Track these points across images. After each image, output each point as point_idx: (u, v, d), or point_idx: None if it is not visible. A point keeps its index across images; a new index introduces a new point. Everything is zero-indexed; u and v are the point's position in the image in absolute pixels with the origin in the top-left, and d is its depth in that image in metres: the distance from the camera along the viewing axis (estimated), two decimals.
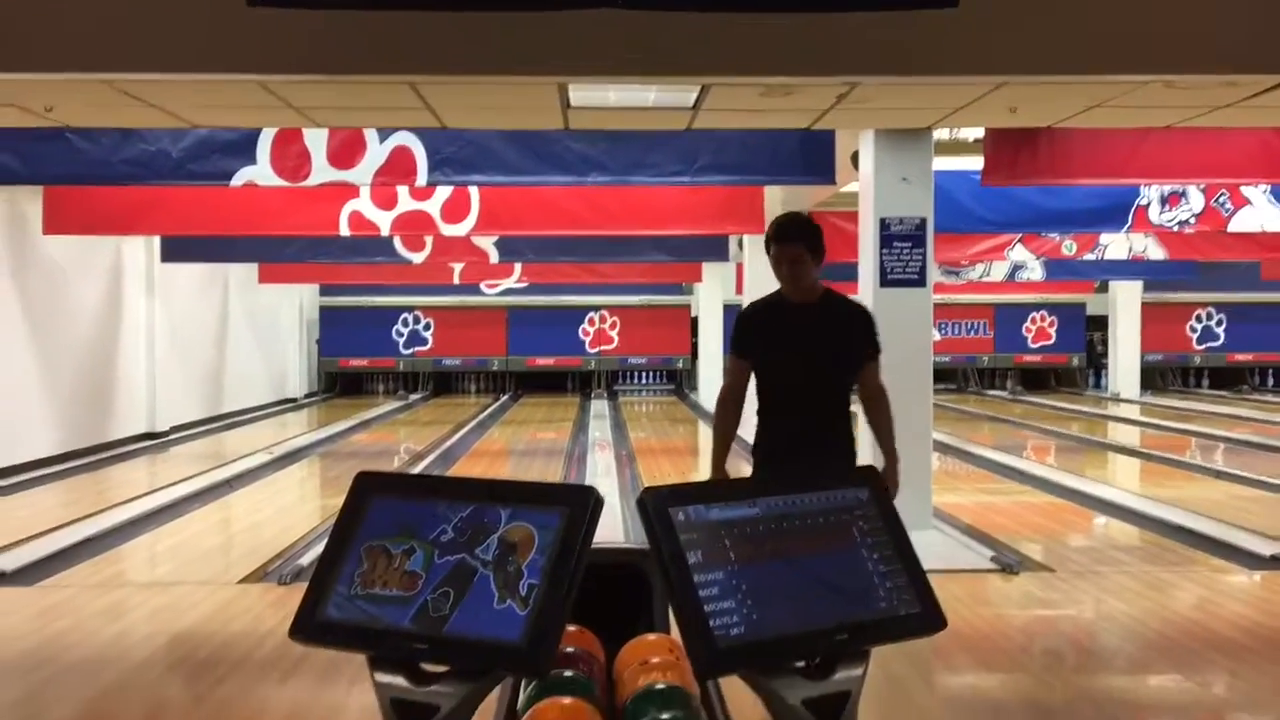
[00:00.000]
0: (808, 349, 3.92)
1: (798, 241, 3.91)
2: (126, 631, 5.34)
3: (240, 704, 4.16)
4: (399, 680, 1.48)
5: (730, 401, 4.08)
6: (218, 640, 5.03)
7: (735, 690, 2.37)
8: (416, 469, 10.67)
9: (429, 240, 11.33)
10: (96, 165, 6.64)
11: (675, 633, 2.77)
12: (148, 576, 6.76)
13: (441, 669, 1.49)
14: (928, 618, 1.58)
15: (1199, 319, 21.42)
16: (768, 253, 4.01)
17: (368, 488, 1.66)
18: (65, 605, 5.70)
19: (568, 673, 2.59)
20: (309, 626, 1.54)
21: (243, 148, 6.66)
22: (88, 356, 11.93)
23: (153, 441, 12.89)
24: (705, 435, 14.40)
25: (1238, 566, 6.43)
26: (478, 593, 1.48)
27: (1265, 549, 6.60)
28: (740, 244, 13.57)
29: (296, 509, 9.31)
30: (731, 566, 1.50)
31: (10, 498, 9.02)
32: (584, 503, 1.51)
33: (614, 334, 21.15)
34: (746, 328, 4.09)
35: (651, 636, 2.77)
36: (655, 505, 1.52)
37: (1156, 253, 12.24)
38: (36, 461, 10.33)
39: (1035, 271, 14.58)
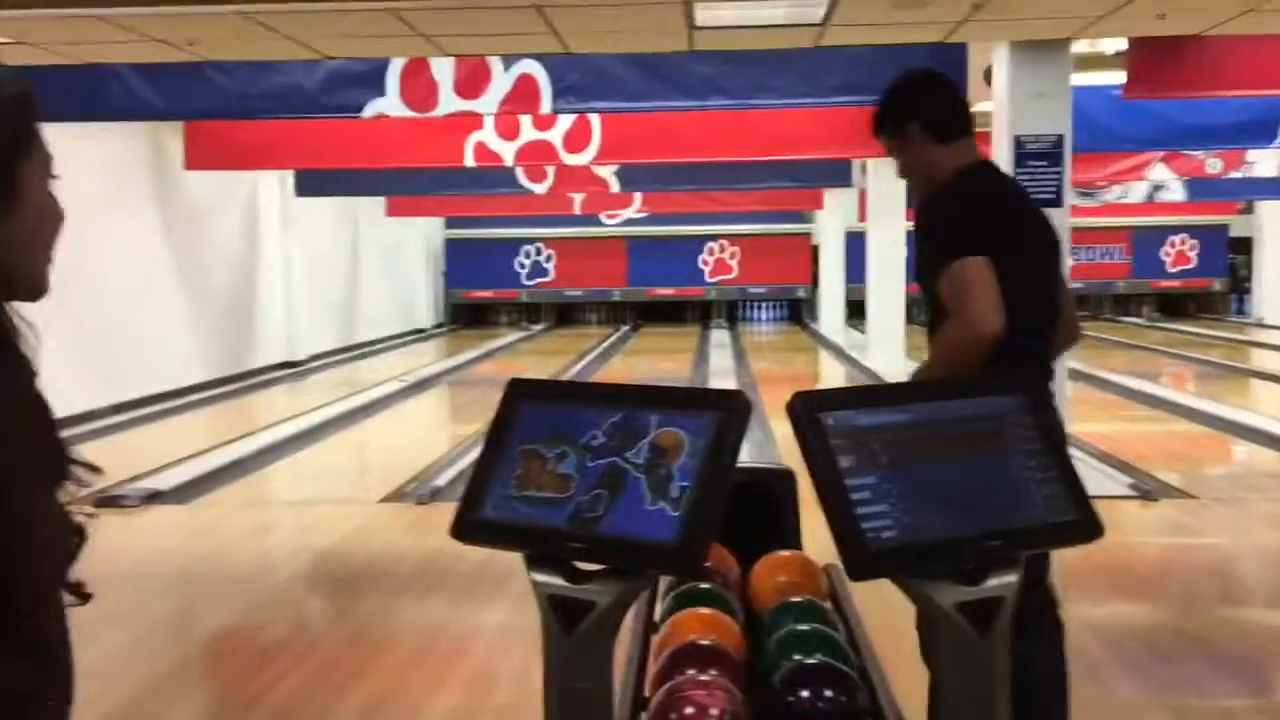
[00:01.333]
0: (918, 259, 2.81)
1: (879, 133, 2.85)
2: (272, 549, 5.60)
3: (381, 619, 4.34)
4: (556, 579, 1.52)
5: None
6: (359, 558, 5.23)
7: (863, 605, 2.37)
8: None
9: (551, 170, 11.38)
10: (234, 99, 6.81)
11: (806, 550, 2.79)
12: (291, 497, 7.06)
13: (597, 567, 1.52)
14: (1083, 525, 1.56)
15: None
16: None
17: (519, 394, 1.69)
18: (215, 523, 6.00)
19: (704, 585, 2.63)
20: (468, 525, 1.59)
21: (372, 79, 6.75)
22: (229, 289, 12.40)
23: (291, 370, 13.38)
24: (827, 363, 14.29)
25: None
26: (630, 495, 1.51)
27: None
28: (864, 169, 13.29)
29: (428, 435, 9.57)
30: (883, 471, 1.49)
31: (161, 423, 9.48)
32: (734, 407, 1.51)
33: (734, 263, 21.03)
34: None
35: (785, 553, 2.79)
36: (805, 409, 1.51)
37: None
38: (184, 389, 10.82)
39: (1176, 192, 13.93)
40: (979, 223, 2.65)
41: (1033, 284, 2.64)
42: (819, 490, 1.47)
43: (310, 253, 14.40)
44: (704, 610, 2.50)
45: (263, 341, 13.11)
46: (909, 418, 1.57)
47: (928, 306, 2.83)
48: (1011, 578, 1.51)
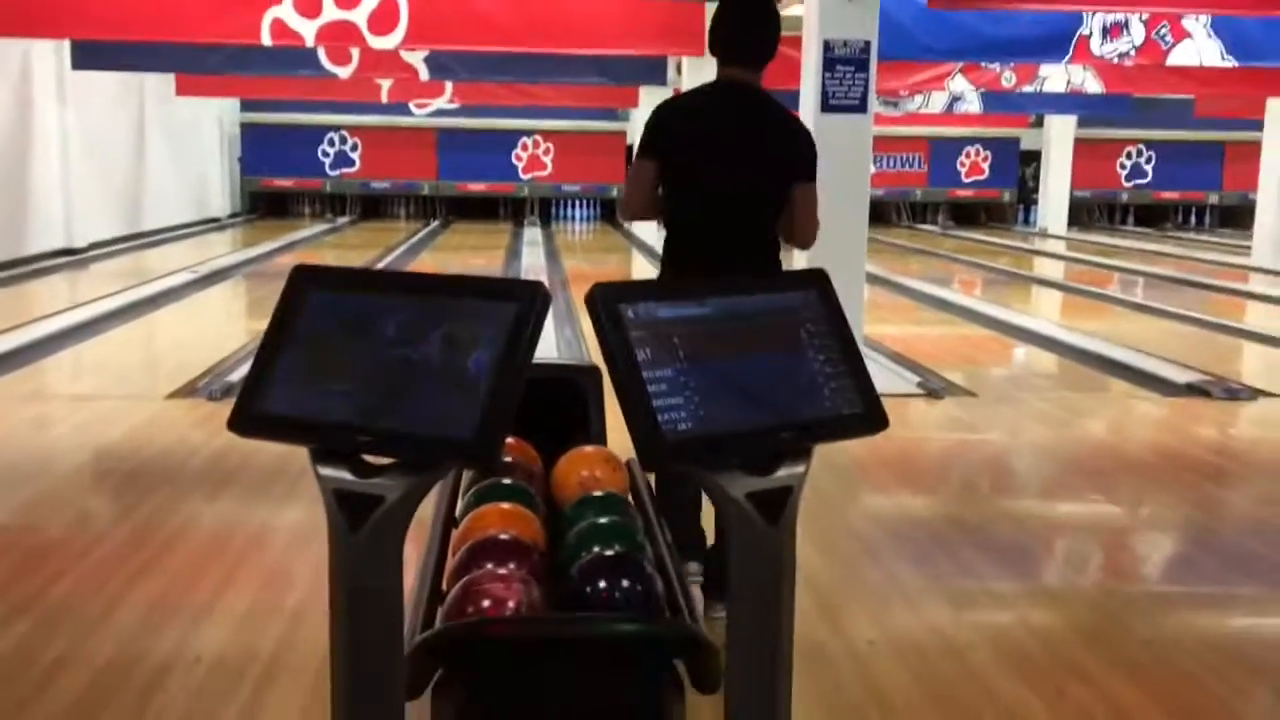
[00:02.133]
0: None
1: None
2: (52, 444, 5.28)
3: (168, 517, 4.16)
4: (343, 473, 1.46)
5: None
6: (145, 454, 4.99)
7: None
8: None
9: (355, 53, 10.86)
10: None
11: (612, 446, 2.80)
12: (72, 391, 6.65)
13: (386, 461, 1.47)
14: (870, 418, 1.60)
15: (1129, 156, 21.61)
16: None
17: (306, 281, 1.60)
18: None
19: (506, 480, 2.61)
20: (249, 418, 1.51)
21: None
22: None
23: (71, 258, 12.52)
24: (639, 262, 14.37)
25: (1153, 394, 6.65)
26: (423, 385, 1.45)
27: (1180, 377, 6.83)
28: (679, 68, 13.25)
29: (223, 328, 9.17)
30: (680, 364, 1.49)
31: None
32: (531, 297, 1.47)
33: (547, 160, 20.77)
34: None
35: (589, 448, 2.80)
36: (605, 300, 1.49)
37: (1094, 86, 12.19)
38: None
39: (973, 104, 14.49)
40: (646, 132, 3.21)
41: (691, 183, 3.18)
42: (615, 382, 1.45)
43: (90, 131, 13.39)
44: (504, 505, 2.49)
45: (37, 226, 12.19)
46: (708, 311, 1.56)
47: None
48: (800, 468, 1.54)
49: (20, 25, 8.66)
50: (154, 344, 8.41)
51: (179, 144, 17.24)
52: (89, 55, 11.06)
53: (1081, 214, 21.34)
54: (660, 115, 3.23)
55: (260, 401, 1.50)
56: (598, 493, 2.56)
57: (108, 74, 12.71)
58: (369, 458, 1.48)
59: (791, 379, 1.55)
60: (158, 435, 5.27)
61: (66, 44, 11.37)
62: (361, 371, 1.48)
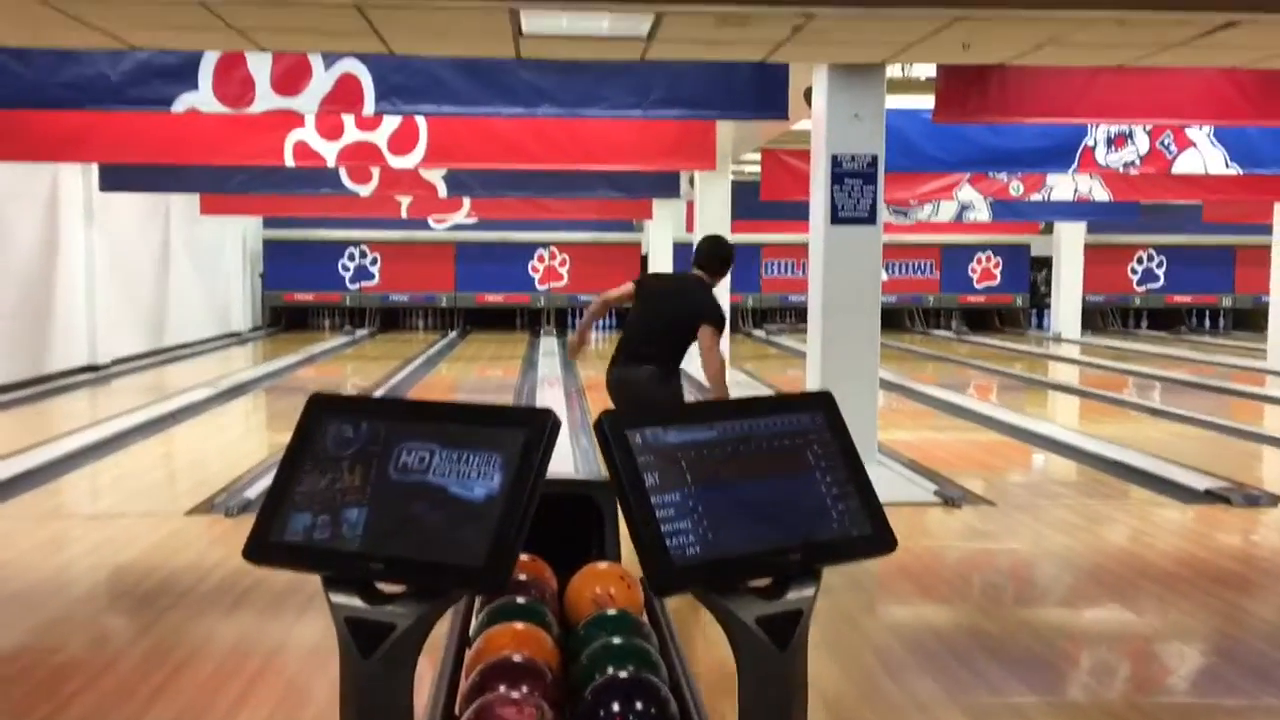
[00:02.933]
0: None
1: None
2: (69, 564, 5.29)
3: (186, 635, 4.15)
4: (354, 600, 1.48)
5: None
6: (163, 572, 4.99)
7: (681, 621, 2.39)
8: None
9: (376, 172, 11.15)
10: (32, 89, 6.42)
11: (626, 561, 2.80)
12: (90, 509, 6.68)
13: (397, 589, 1.49)
14: (878, 539, 1.61)
15: (1140, 261, 21.78)
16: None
17: (321, 409, 1.64)
18: (5, 537, 5.63)
19: (520, 599, 2.61)
20: (263, 547, 1.53)
21: (184, 72, 6.47)
22: (25, 287, 11.66)
23: (94, 374, 12.68)
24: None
25: (1173, 501, 6.60)
26: (434, 513, 1.48)
27: (1200, 484, 6.78)
28: (691, 181, 13.51)
29: (242, 443, 9.22)
30: (688, 488, 1.51)
31: None
32: (541, 425, 1.50)
33: (564, 271, 21.06)
34: None
35: (602, 565, 2.80)
36: (613, 427, 1.52)
37: (1101, 194, 12.37)
38: None
39: (982, 212, 14.70)
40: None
41: (639, 318, 5.45)
42: (624, 508, 1.48)
43: (116, 250, 13.68)
44: (518, 625, 2.48)
45: (62, 343, 12.38)
46: (715, 434, 1.59)
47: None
48: (809, 591, 1.55)
49: (52, 150, 8.94)
50: (172, 460, 8.46)
51: (202, 261, 17.57)
52: (116, 177, 11.38)
53: (1095, 318, 21.42)
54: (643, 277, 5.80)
55: (275, 530, 1.53)
56: (611, 611, 2.55)
57: (134, 194, 13.04)
58: (381, 585, 1.50)
59: (799, 501, 1.57)
60: (175, 553, 5.29)
61: (95, 167, 11.70)
62: (374, 499, 1.51)
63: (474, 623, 2.64)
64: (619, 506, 1.51)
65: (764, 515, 1.54)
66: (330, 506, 1.53)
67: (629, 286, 5.55)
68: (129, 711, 3.40)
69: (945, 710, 3.48)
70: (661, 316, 5.31)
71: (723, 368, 5.21)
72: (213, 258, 18.16)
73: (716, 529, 1.49)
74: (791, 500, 1.57)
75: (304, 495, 1.55)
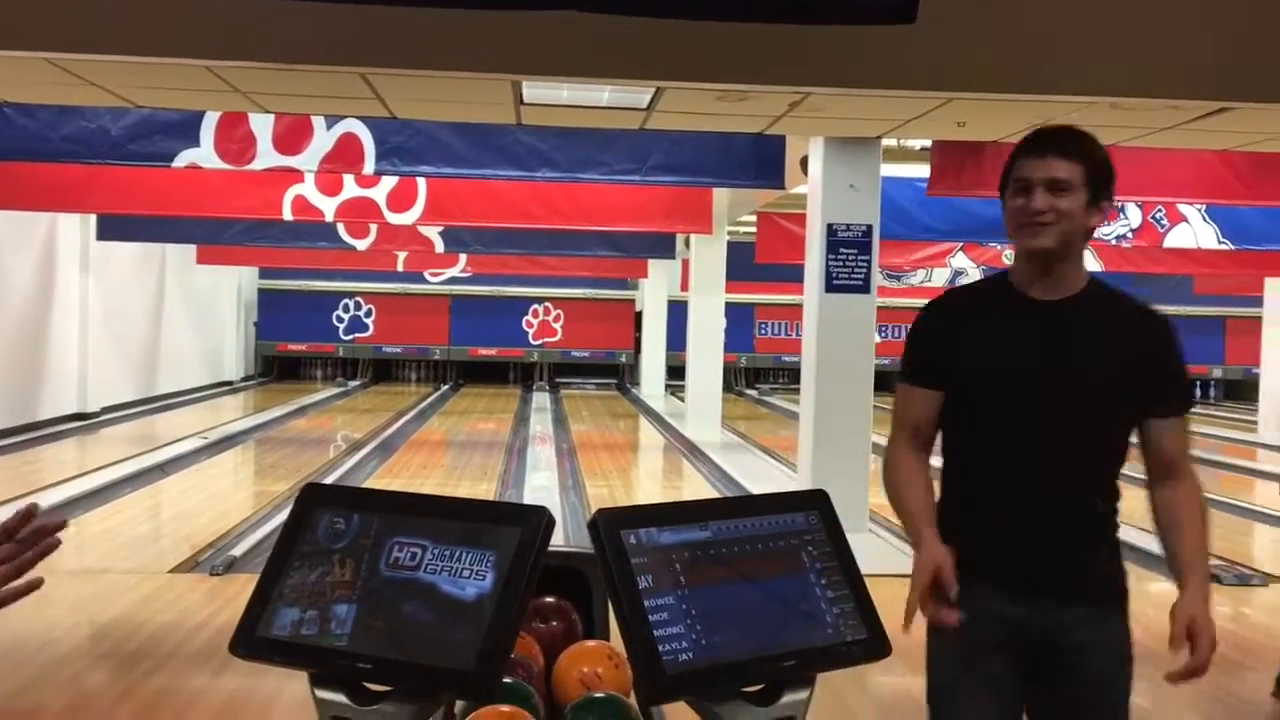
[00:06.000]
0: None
1: (1062, 154, 2.20)
2: (52, 622, 5.22)
3: (171, 697, 4.09)
4: (340, 698, 1.46)
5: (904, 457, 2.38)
6: (147, 631, 4.94)
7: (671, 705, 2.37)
8: (354, 458, 10.56)
9: (373, 227, 11.21)
10: (33, 141, 6.46)
11: (615, 639, 2.77)
12: (74, 564, 6.61)
13: (385, 688, 1.47)
14: (873, 644, 1.60)
15: None
16: (1002, 194, 2.35)
17: (313, 500, 1.63)
18: None
19: (506, 680, 2.58)
20: (250, 641, 1.51)
21: (186, 129, 6.52)
22: (18, 333, 11.64)
23: (83, 422, 12.62)
24: (646, 430, 14.42)
25: (1160, 577, 6.56)
26: (423, 612, 1.46)
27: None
28: (687, 242, 13.60)
29: (231, 496, 9.17)
30: (682, 590, 1.50)
31: None
32: (535, 524, 1.50)
33: (558, 326, 21.10)
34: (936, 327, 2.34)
35: (591, 644, 2.77)
36: (607, 527, 1.51)
37: (1093, 265, 12.46)
38: None
39: (975, 278, 14.79)
40: None
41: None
42: (617, 612, 1.47)
43: (110, 298, 13.69)
44: (504, 708, 2.45)
45: (52, 391, 12.33)
46: (709, 535, 1.59)
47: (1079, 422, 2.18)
48: (803, 695, 1.53)
49: (49, 201, 8.98)
50: (160, 513, 8.40)
51: (197, 309, 17.58)
52: (113, 227, 11.41)
53: None
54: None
55: (262, 624, 1.51)
56: (599, 694, 2.53)
57: (130, 244, 13.08)
58: (368, 684, 1.48)
59: (794, 604, 1.56)
60: (159, 612, 5.23)
61: (92, 216, 11.74)
62: (364, 596, 1.49)
63: (459, 702, 2.61)
64: (611, 606, 1.50)
65: (758, 619, 1.53)
66: (319, 602, 1.52)
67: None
68: None
69: None
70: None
71: None
72: (207, 307, 18.18)
73: (709, 633, 1.47)
74: (786, 603, 1.56)
75: (293, 589, 1.54)
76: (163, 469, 9.59)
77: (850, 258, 7.14)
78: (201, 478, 9.74)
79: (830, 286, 7.18)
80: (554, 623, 2.89)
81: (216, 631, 4.77)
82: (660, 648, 1.43)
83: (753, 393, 20.52)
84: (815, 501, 1.71)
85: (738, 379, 20.95)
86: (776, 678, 1.51)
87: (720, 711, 1.47)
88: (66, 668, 4.55)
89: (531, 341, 21.06)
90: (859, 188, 7.10)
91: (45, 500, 7.73)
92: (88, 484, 8.47)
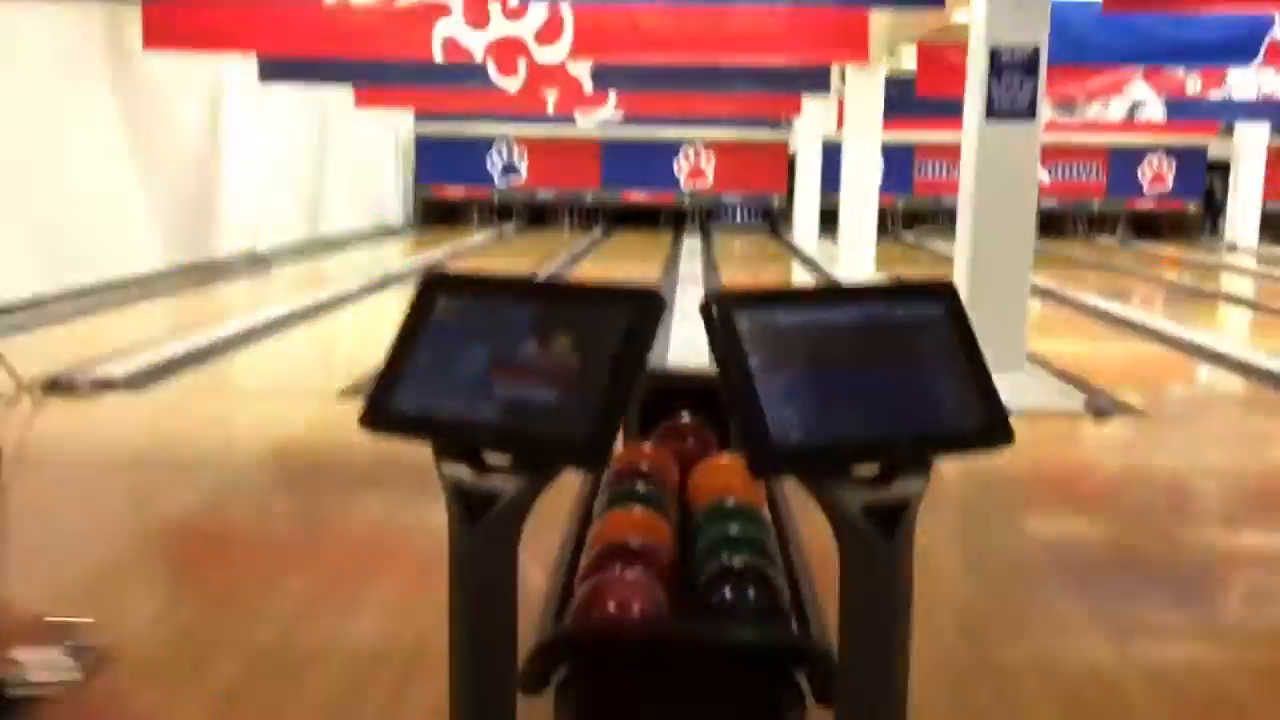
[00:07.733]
0: None
1: None
2: (231, 438, 5.58)
3: (330, 511, 4.35)
4: (462, 470, 1.51)
5: None
6: (316, 449, 5.22)
7: (806, 511, 2.37)
8: None
9: (522, 65, 11.15)
10: None
11: None
12: (252, 388, 7.02)
13: (504, 460, 1.51)
14: (994, 432, 1.55)
15: None
16: None
17: (435, 286, 1.66)
18: (172, 412, 5.97)
19: (640, 486, 2.63)
20: (376, 415, 1.57)
21: None
22: (191, 175, 12.18)
23: (254, 260, 13.23)
24: (797, 273, 14.25)
25: None
26: (540, 387, 1.48)
27: None
28: (842, 75, 13.10)
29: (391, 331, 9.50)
30: (795, 371, 1.48)
31: (118, 310, 9.36)
32: (646, 304, 1.48)
33: (708, 169, 20.83)
34: None
35: (725, 457, 2.79)
36: (720, 309, 1.49)
37: None
38: (141, 277, 10.67)
39: (1156, 110, 13.82)
40: None
41: None
42: (726, 388, 1.45)
43: (275, 141, 14.12)
44: (636, 510, 2.51)
45: (224, 230, 12.93)
46: (828, 319, 1.55)
47: None
48: (919, 481, 1.50)
49: (209, 40, 9.24)
50: (330, 346, 8.80)
51: (357, 154, 18.03)
52: (274, 70, 11.69)
53: (1275, 227, 20.12)
54: None
55: (388, 399, 1.56)
56: (730, 501, 2.55)
57: (293, 88, 13.39)
58: (489, 456, 1.52)
59: (912, 391, 1.52)
60: (327, 431, 5.52)
61: (254, 61, 12.03)
62: (483, 373, 1.52)
63: (596, 504, 2.69)
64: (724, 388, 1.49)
65: (874, 402, 1.49)
66: (441, 378, 1.55)
67: None
68: (273, 577, 3.60)
69: (1081, 624, 3.38)
70: None
71: None
72: (367, 152, 18.61)
73: (822, 414, 1.45)
74: (903, 389, 1.52)
75: (416, 367, 1.58)
76: (331, 306, 10.00)
77: (1014, 82, 6.75)
78: (367, 315, 10.13)
79: (992, 113, 6.83)
80: (689, 440, 2.93)
81: (376, 452, 4.99)
82: (770, 425, 1.42)
83: (910, 237, 19.97)
84: (941, 292, 1.64)
85: (894, 222, 20.37)
86: (891, 460, 1.48)
87: (833, 492, 1.45)
88: (242, 480, 4.87)
89: (682, 185, 20.88)
90: (1026, 5, 6.66)
91: (221, 331, 8.17)
92: (261, 317, 8.91)
